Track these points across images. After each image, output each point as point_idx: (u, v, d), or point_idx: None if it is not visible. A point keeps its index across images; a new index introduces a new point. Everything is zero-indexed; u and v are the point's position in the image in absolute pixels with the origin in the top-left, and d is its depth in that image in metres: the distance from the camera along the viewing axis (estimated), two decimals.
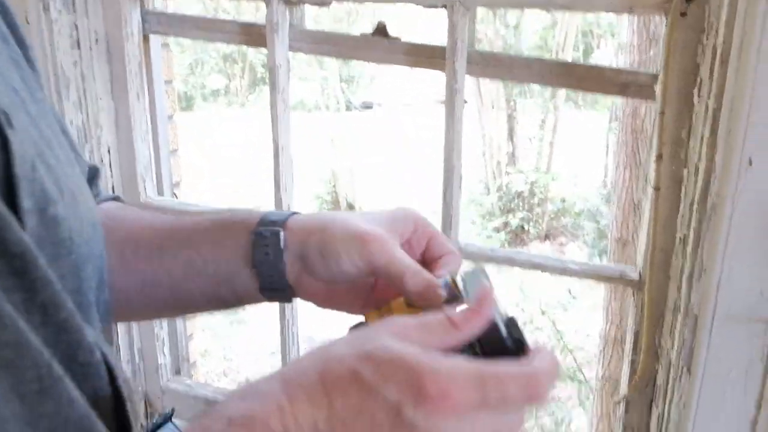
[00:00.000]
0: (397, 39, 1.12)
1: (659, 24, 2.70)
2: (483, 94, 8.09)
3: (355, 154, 9.65)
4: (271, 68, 1.11)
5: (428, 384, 0.36)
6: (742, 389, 0.90)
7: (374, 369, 0.38)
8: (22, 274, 0.38)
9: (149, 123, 1.27)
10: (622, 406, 1.10)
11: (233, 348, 5.77)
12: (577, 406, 4.68)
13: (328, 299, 0.59)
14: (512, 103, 8.18)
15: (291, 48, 1.13)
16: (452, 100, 1.05)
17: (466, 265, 0.58)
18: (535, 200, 7.82)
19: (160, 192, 1.34)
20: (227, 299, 0.60)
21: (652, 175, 0.99)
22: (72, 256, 0.46)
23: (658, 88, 0.96)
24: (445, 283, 0.50)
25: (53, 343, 0.41)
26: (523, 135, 8.44)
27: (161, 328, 1.39)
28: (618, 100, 6.53)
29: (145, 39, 1.25)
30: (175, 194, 1.44)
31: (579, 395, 4.68)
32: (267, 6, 1.09)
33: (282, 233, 0.56)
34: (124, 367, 1.33)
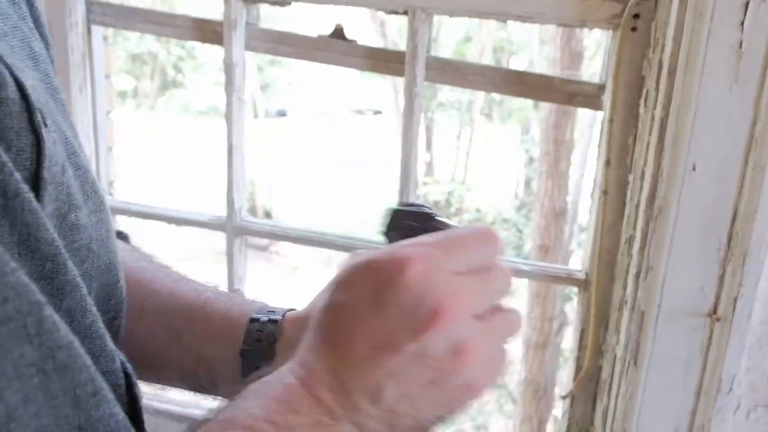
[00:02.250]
0: (354, 42, 1.13)
1: (580, 41, 2.85)
2: (401, 105, 8.21)
3: (272, 162, 9.54)
4: (228, 66, 1.09)
5: (382, 267, 0.39)
6: (683, 381, 0.96)
7: (339, 288, 0.40)
8: (51, 278, 0.36)
9: (91, 118, 1.22)
10: (567, 402, 1.15)
11: None
12: (496, 411, 4.81)
13: None
14: (430, 114, 8.35)
15: (247, 47, 1.12)
16: (411, 105, 1.07)
17: None
18: (452, 210, 8.01)
19: None
20: (201, 382, 0.57)
21: (599, 180, 1.05)
22: (85, 264, 0.43)
23: (606, 98, 1.02)
24: None
25: None
26: (440, 146, 8.63)
27: None
28: (533, 114, 6.79)
29: (88, 30, 1.20)
30: (111, 194, 1.39)
31: (498, 400, 4.82)
32: (225, 3, 1.07)
33: (280, 322, 0.55)
34: None
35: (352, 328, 0.39)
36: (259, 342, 0.54)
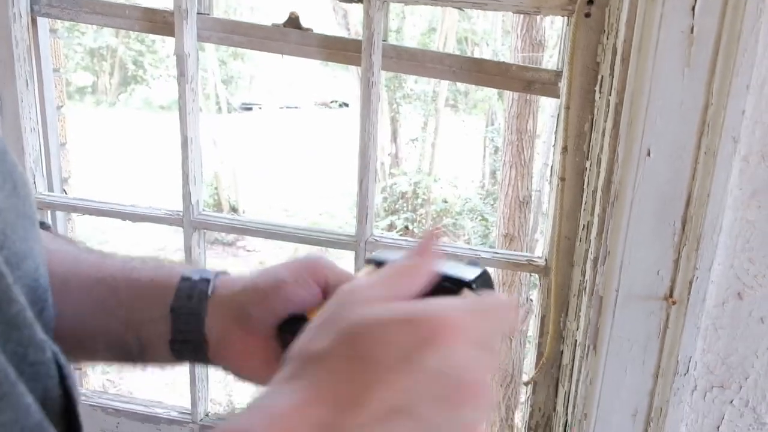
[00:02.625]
0: (309, 30, 1.11)
1: (542, 31, 2.87)
2: None
3: (236, 156, 9.43)
4: (180, 57, 1.07)
5: (432, 319, 0.36)
6: (641, 363, 0.97)
7: (366, 339, 0.37)
8: None
9: (38, 113, 1.18)
10: (529, 389, 1.16)
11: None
12: None
13: (248, 358, 0.55)
14: (395, 106, 8.34)
15: (199, 38, 1.09)
16: (368, 93, 1.06)
17: None
18: (419, 201, 8.03)
19: (50, 188, 1.24)
20: (131, 349, 0.56)
21: (557, 167, 1.05)
22: (4, 251, 0.42)
23: (562, 85, 1.02)
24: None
25: (4, 341, 0.38)
26: (406, 137, 8.64)
27: None
28: (497, 105, 6.84)
29: (33, 22, 1.16)
30: (64, 190, 1.35)
31: None
32: None
33: (213, 280, 0.54)
34: None
35: (367, 386, 0.35)
36: (190, 298, 0.53)
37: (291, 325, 0.51)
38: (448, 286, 0.44)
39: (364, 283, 0.42)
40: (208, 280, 0.54)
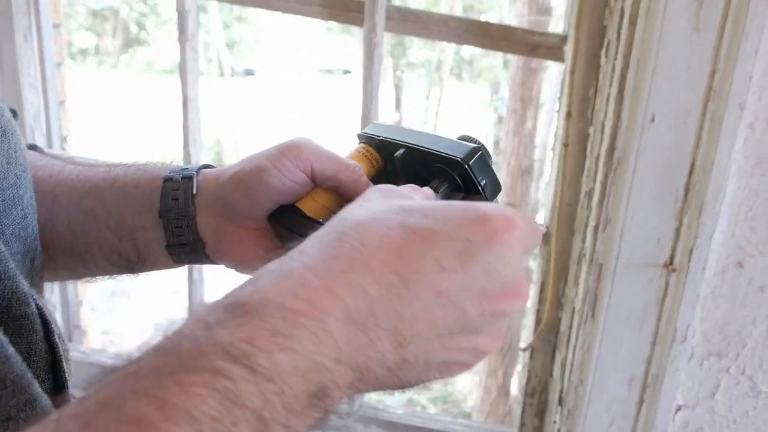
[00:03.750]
0: None
1: None
2: None
3: (238, 122, 9.38)
4: (181, 14, 1.05)
5: (494, 217, 0.35)
6: (639, 330, 0.97)
7: (425, 215, 0.35)
8: None
9: (38, 69, 1.17)
10: (527, 354, 1.17)
11: (113, 322, 5.51)
12: None
13: (246, 252, 0.53)
14: (398, 74, 8.26)
15: None
16: (371, 55, 1.04)
17: None
18: None
19: (50, 145, 1.24)
20: (128, 257, 0.54)
21: (560, 132, 1.04)
22: None
23: (568, 49, 1.01)
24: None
25: None
26: (410, 105, 8.57)
27: (52, 292, 1.30)
28: (502, 74, 6.76)
29: None
30: (64, 148, 1.34)
31: None
32: None
33: (195, 177, 0.52)
34: None
35: (418, 260, 0.33)
36: (176, 200, 0.51)
37: (281, 216, 0.50)
38: (439, 166, 0.43)
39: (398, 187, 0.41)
40: (191, 178, 0.52)
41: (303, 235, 0.36)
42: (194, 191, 0.52)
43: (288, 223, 0.48)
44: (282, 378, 0.29)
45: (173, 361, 0.28)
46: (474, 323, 0.35)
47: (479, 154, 0.43)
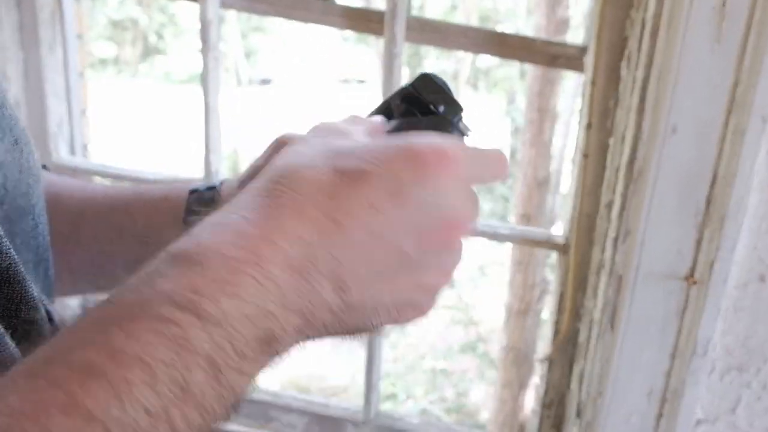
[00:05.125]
0: (332, 1, 1.10)
1: (566, 8, 2.82)
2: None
3: (255, 131, 9.45)
4: (204, 24, 1.06)
5: (424, 149, 0.34)
6: (659, 343, 0.97)
7: (354, 157, 0.34)
8: None
9: (62, 79, 1.19)
10: (544, 366, 1.16)
11: None
12: (477, 378, 4.88)
13: None
14: None
15: (223, 5, 1.09)
16: (391, 65, 1.05)
17: None
18: None
19: (72, 152, 1.25)
20: None
21: (580, 143, 1.04)
22: (4, 206, 0.41)
23: (588, 59, 1.01)
24: None
25: None
26: None
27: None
28: (519, 84, 6.75)
29: None
30: (85, 156, 1.36)
31: (479, 367, 4.88)
32: None
33: (218, 187, 0.53)
34: None
35: (351, 203, 0.33)
36: (199, 210, 0.53)
37: None
38: (398, 103, 0.42)
39: (340, 121, 0.41)
40: (213, 188, 0.53)
41: None
42: (217, 200, 0.53)
43: None
44: (230, 323, 0.29)
45: (118, 312, 0.29)
46: (414, 260, 0.34)
47: (423, 76, 0.42)
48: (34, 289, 0.40)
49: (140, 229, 0.54)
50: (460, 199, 0.35)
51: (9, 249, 0.38)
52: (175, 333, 0.28)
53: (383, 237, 0.33)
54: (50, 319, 0.42)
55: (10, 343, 0.36)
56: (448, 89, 0.43)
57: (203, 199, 0.53)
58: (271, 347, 0.31)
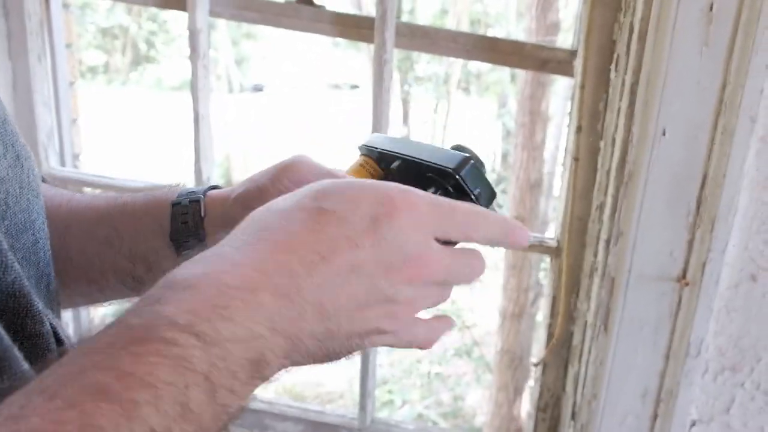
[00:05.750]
0: (322, 7, 1.10)
1: (557, 12, 2.84)
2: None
3: (247, 137, 9.43)
4: (192, 32, 1.06)
5: (396, 196, 0.38)
6: (652, 344, 0.97)
7: (337, 198, 0.37)
8: None
9: (51, 88, 1.18)
10: (539, 369, 1.16)
11: None
12: (474, 382, 4.87)
13: None
14: (406, 88, 8.29)
15: (212, 13, 1.09)
16: (381, 71, 1.05)
17: None
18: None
19: (63, 163, 1.25)
20: (143, 281, 0.55)
21: (571, 146, 1.04)
22: (5, 221, 0.41)
23: (577, 63, 1.01)
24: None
25: (0, 310, 0.38)
26: (417, 119, 8.59)
27: (65, 310, 1.30)
28: (510, 88, 6.77)
29: None
30: (76, 166, 1.35)
31: (476, 371, 4.88)
32: None
33: (202, 200, 0.53)
34: None
35: (334, 240, 0.36)
36: (186, 224, 0.52)
37: None
38: (431, 176, 0.44)
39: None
40: (198, 201, 0.53)
41: None
42: (202, 214, 0.52)
43: None
44: (223, 344, 0.32)
45: (125, 335, 0.31)
46: (385, 293, 0.37)
47: (470, 163, 0.44)
48: (39, 303, 0.41)
49: (126, 242, 0.54)
50: (424, 243, 0.38)
51: (13, 263, 0.38)
52: (176, 353, 0.31)
53: (361, 270, 0.36)
54: (55, 334, 0.42)
55: (19, 356, 0.37)
56: (484, 171, 0.45)
57: (188, 216, 0.53)
58: (260, 370, 0.34)
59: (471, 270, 0.42)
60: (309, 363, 0.38)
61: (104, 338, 0.32)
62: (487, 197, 0.44)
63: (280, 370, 0.36)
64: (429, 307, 0.41)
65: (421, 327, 0.41)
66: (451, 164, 0.43)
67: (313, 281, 0.35)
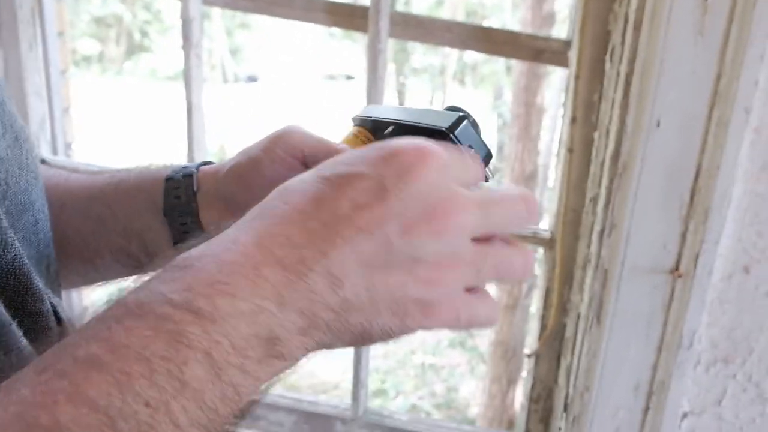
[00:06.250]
0: None
1: (552, 2, 2.83)
2: None
3: (242, 128, 9.41)
4: (185, 21, 1.05)
5: (405, 154, 0.35)
6: (645, 336, 0.97)
7: (333, 164, 0.36)
8: None
9: (43, 77, 1.17)
10: (531, 361, 1.16)
11: None
12: (468, 373, 4.90)
13: None
14: (402, 79, 8.28)
15: (205, 2, 1.08)
16: (375, 61, 1.04)
17: None
18: None
19: (55, 152, 1.24)
20: (138, 258, 0.55)
21: (565, 137, 1.04)
22: (6, 201, 0.41)
23: (572, 54, 1.01)
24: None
25: (1, 287, 0.38)
26: None
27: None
28: (506, 80, 6.77)
29: None
30: (68, 155, 1.34)
31: (470, 362, 4.90)
32: None
33: (195, 174, 0.53)
34: None
35: (335, 204, 0.34)
36: (179, 198, 0.52)
37: None
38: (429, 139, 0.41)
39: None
40: (191, 175, 0.53)
41: None
42: (195, 188, 0.52)
43: None
44: (225, 320, 0.31)
45: (119, 310, 0.31)
46: (404, 251, 0.34)
47: (464, 122, 0.42)
48: (40, 282, 0.41)
49: (121, 220, 0.54)
50: (443, 190, 0.36)
51: (14, 241, 0.38)
52: (170, 329, 0.30)
53: (370, 230, 0.34)
54: (56, 313, 0.42)
55: (18, 333, 0.37)
56: (479, 132, 0.43)
57: (180, 190, 0.53)
58: (274, 347, 0.32)
59: (515, 216, 0.38)
60: (340, 343, 0.35)
61: (99, 315, 0.32)
62: (483, 157, 0.42)
63: (302, 350, 0.34)
64: (475, 273, 0.37)
65: (480, 299, 0.37)
66: (444, 124, 0.41)
67: (316, 249, 0.33)
